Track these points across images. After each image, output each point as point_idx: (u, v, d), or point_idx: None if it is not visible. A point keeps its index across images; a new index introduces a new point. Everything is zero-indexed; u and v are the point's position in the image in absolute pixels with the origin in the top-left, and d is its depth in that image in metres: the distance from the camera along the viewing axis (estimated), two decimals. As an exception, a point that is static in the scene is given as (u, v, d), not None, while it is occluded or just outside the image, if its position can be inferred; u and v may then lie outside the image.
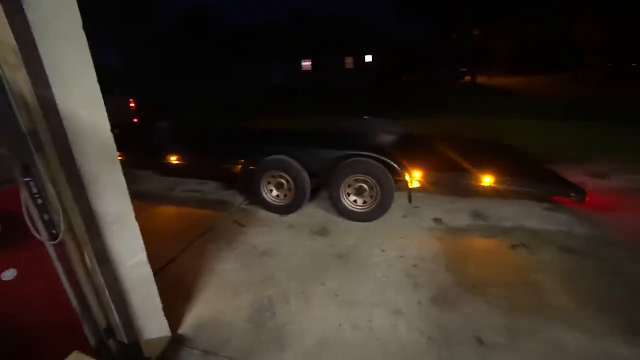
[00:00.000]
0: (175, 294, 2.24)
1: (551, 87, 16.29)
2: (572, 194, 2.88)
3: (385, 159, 2.95)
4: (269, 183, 3.36)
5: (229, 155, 3.57)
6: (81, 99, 1.28)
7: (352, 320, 1.98)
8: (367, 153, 3.00)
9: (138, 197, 4.05)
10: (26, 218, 1.16)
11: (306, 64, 20.54)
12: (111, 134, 1.40)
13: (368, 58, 19.53)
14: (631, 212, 3.24)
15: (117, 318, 1.48)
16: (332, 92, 15.83)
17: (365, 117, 5.03)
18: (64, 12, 1.19)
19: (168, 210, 3.72)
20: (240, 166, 3.44)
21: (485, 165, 3.11)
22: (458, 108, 10.70)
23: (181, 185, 4.36)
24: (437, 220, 3.23)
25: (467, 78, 17.04)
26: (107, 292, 1.44)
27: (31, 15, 1.09)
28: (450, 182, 3.13)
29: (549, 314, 1.98)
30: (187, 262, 2.68)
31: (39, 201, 1.18)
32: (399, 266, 2.50)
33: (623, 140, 6.26)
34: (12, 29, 1.05)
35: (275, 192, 3.38)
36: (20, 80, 1.12)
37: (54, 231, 1.21)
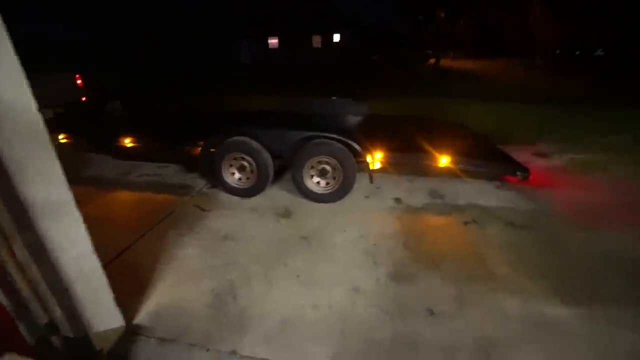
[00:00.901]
0: (132, 282, 2.16)
1: (508, 71, 17.13)
2: (518, 173, 3.10)
3: (347, 140, 2.96)
4: (230, 166, 3.26)
5: (189, 137, 3.40)
6: (-5, 74, 1.12)
7: (313, 299, 2.03)
8: (330, 135, 2.99)
9: (90, 182, 3.77)
10: None
11: (273, 42, 19.68)
12: (38, 115, 1.25)
13: (336, 37, 19.11)
14: (568, 188, 3.58)
15: (59, 313, 1.39)
16: (299, 72, 15.45)
17: (333, 98, 4.97)
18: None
19: (124, 196, 3.50)
20: (200, 148, 3.30)
21: (443, 146, 3.24)
22: (422, 90, 10.94)
23: (138, 169, 4.09)
24: (397, 200, 3.35)
25: (432, 61, 17.39)
26: (45, 287, 1.33)
27: None
28: (410, 162, 3.23)
29: (493, 283, 2.16)
30: (145, 249, 2.57)
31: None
32: (360, 245, 2.58)
33: (568, 123, 6.81)
34: None
35: (237, 175, 3.29)
36: None
37: (-28, 224, 1.08)
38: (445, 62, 20.39)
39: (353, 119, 4.09)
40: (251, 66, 18.30)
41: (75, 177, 3.80)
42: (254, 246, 2.58)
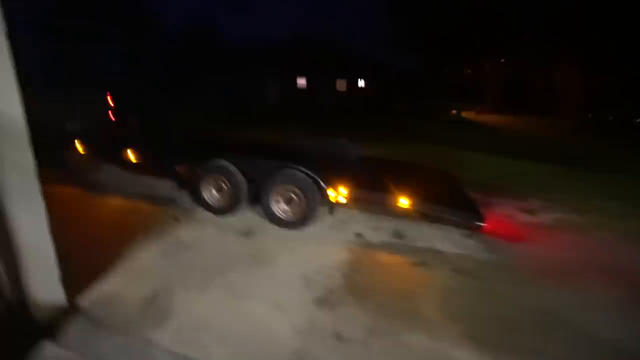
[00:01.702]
0: (90, 272, 2.46)
1: (533, 128, 16.97)
2: (473, 222, 3.18)
3: (310, 172, 3.25)
4: (209, 185, 3.64)
5: (178, 156, 3.86)
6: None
7: (236, 309, 2.22)
8: (295, 166, 3.30)
9: (95, 188, 4.30)
10: None
11: (301, 82, 21.22)
12: (23, 121, 1.68)
13: (361, 83, 20.40)
14: (539, 245, 3.55)
15: (4, 276, 1.71)
16: (321, 113, 16.27)
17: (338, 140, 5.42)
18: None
19: (117, 203, 3.97)
20: (186, 167, 3.73)
21: (406, 188, 3.40)
22: (435, 139, 11.12)
23: (139, 181, 4.60)
24: (358, 234, 3.50)
25: (453, 112, 17.74)
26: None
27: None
28: (371, 200, 3.42)
29: (412, 321, 2.23)
30: (114, 247, 2.88)
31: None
32: (301, 270, 2.74)
33: (574, 183, 6.64)
34: None
35: (214, 194, 3.65)
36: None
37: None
38: (469, 115, 20.69)
39: (335, 157, 4.40)
40: (276, 104, 19.29)
41: (79, 180, 4.37)
42: (206, 257, 2.84)
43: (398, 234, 3.58)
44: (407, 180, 3.78)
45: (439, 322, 2.23)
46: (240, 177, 3.48)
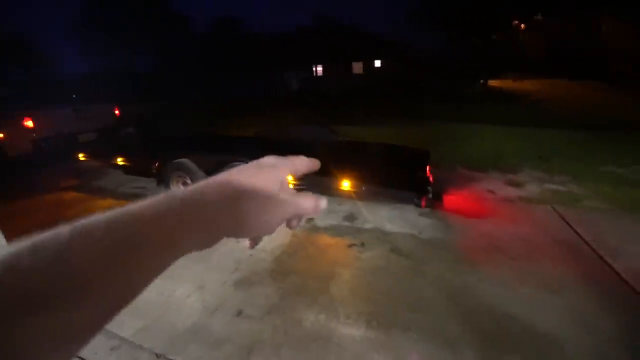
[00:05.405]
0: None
1: (572, 93, 15.10)
2: (415, 200, 3.11)
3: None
4: (176, 182, 4.00)
5: (152, 156, 4.27)
6: None
7: (162, 288, 2.52)
8: (237, 158, 3.49)
9: (88, 190, 4.92)
10: None
11: (319, 70, 21.09)
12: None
13: (377, 63, 19.58)
14: (504, 220, 3.40)
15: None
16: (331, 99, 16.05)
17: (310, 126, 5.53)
18: None
19: (106, 203, 4.53)
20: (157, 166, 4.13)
21: (355, 170, 3.41)
22: (445, 115, 10.52)
23: (134, 182, 5.17)
24: (309, 219, 3.62)
25: (481, 82, 16.36)
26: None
27: None
28: (317, 185, 3.49)
29: (317, 299, 2.35)
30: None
31: None
32: (237, 255, 2.96)
33: (587, 150, 5.98)
34: None
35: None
36: None
37: None
38: (504, 84, 19.01)
39: (299, 144, 4.51)
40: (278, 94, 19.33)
41: (82, 185, 5.03)
42: (160, 246, 3.19)
43: (351, 217, 3.64)
44: (349, 161, 3.78)
45: (343, 302, 2.32)
46: (200, 174, 3.77)
